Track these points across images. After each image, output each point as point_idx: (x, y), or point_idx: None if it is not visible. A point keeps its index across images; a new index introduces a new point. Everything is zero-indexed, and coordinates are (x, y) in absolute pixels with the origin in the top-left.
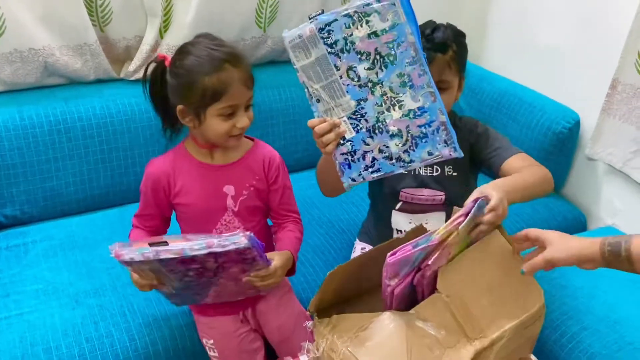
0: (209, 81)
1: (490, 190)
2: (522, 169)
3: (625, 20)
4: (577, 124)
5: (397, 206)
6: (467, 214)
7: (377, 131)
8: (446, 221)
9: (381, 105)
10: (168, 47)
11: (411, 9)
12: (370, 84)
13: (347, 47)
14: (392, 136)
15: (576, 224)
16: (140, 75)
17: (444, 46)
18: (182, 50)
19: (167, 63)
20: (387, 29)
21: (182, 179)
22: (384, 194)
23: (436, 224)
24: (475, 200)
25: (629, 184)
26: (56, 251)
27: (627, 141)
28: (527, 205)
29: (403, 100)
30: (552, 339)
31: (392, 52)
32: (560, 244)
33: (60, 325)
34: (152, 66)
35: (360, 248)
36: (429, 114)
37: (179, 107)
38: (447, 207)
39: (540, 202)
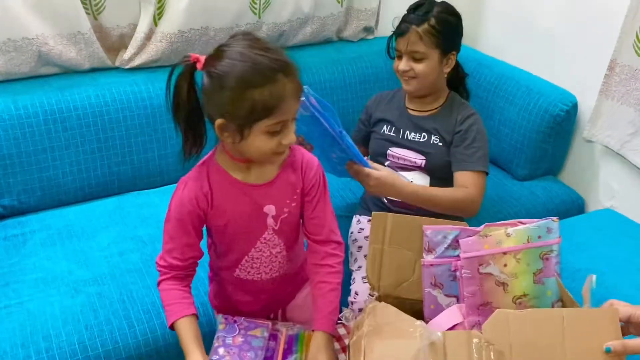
0: (259, 95)
1: None
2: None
3: (623, 1)
4: (575, 106)
5: (387, 163)
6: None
7: None
8: (430, 184)
9: None
10: (163, 35)
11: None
12: None
13: None
14: None
15: (574, 207)
16: (135, 63)
17: (420, 19)
18: (223, 55)
19: (199, 66)
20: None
21: (218, 198)
22: (378, 152)
23: (419, 182)
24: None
25: (626, 166)
26: (54, 240)
27: (625, 123)
28: (525, 189)
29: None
30: None
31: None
32: None
33: (60, 313)
34: (178, 68)
35: (356, 221)
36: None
37: (219, 121)
38: (428, 172)
39: (538, 185)
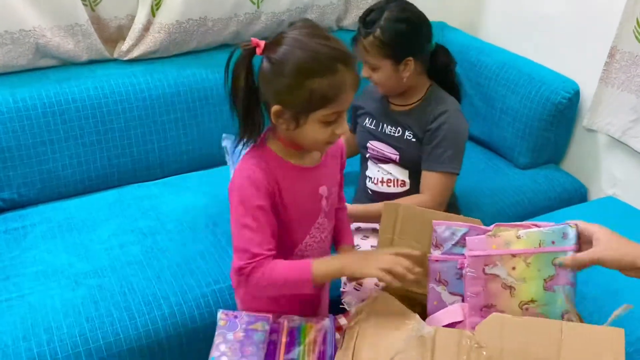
0: (318, 85)
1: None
2: (423, 190)
3: None
4: (577, 93)
5: (368, 155)
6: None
7: None
8: (409, 177)
9: None
10: (161, 26)
11: None
12: None
13: None
14: None
15: (576, 195)
16: (133, 55)
17: (365, 32)
18: (283, 42)
19: (259, 51)
20: None
21: (282, 184)
22: (361, 144)
23: (399, 175)
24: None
25: (628, 153)
26: (55, 233)
27: (626, 110)
28: (527, 177)
29: None
30: None
31: None
32: (611, 244)
33: (61, 306)
34: (237, 53)
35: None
36: None
37: (276, 107)
38: (404, 166)
39: (540, 173)
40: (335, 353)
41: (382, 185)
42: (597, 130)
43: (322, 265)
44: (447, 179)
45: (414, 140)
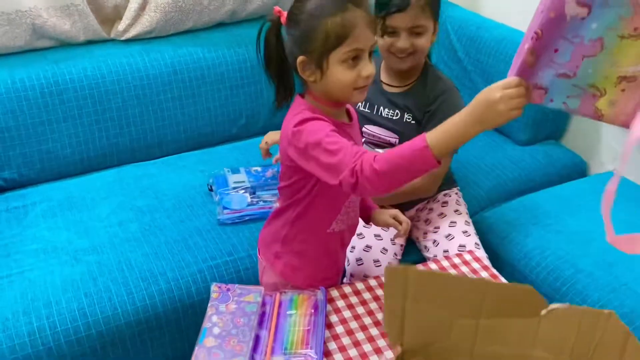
0: (332, 23)
1: None
2: None
3: None
4: None
5: (364, 139)
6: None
7: None
8: None
9: None
10: (157, 5)
11: None
12: None
13: None
14: None
15: (576, 171)
16: (130, 34)
17: None
18: (298, 6)
19: (283, 20)
20: None
21: None
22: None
23: None
24: None
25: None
26: (55, 212)
27: None
28: (525, 153)
29: None
30: (547, 283)
31: None
32: None
33: (60, 281)
34: (266, 25)
35: None
36: None
37: (300, 58)
38: None
39: (539, 149)
40: (325, 325)
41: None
42: None
43: (439, 133)
44: (445, 159)
45: (413, 122)
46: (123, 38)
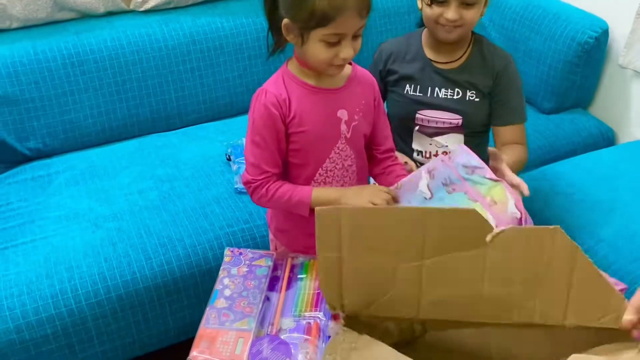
0: (320, 3)
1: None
2: (509, 144)
3: None
4: (605, 32)
5: (416, 128)
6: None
7: None
8: (465, 142)
9: None
10: None
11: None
12: None
13: None
14: None
15: (603, 140)
16: (149, 5)
17: None
18: None
19: None
20: None
21: (295, 104)
22: (404, 117)
23: (455, 147)
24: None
25: None
26: (77, 180)
27: None
28: (550, 122)
29: None
30: None
31: None
32: None
33: (81, 246)
34: None
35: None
36: None
37: (285, 20)
38: (466, 130)
39: (565, 118)
40: None
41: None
42: (633, 69)
43: (322, 193)
44: (521, 128)
45: (477, 100)
46: (142, 9)
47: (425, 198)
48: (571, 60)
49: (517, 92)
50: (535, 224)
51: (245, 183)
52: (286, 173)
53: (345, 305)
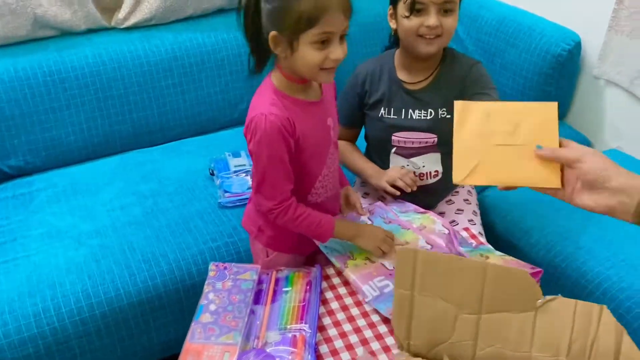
0: (305, 5)
1: None
2: None
3: None
4: (578, 45)
5: (393, 150)
6: None
7: None
8: (442, 162)
9: None
10: None
11: None
12: None
13: None
14: None
15: None
16: (130, 22)
17: None
18: None
19: None
20: None
21: (298, 123)
22: (380, 139)
23: (431, 166)
24: None
25: (634, 104)
26: (60, 197)
27: (635, 58)
28: None
29: None
30: (546, 260)
31: None
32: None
33: (64, 264)
34: None
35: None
36: None
37: (272, 33)
38: (441, 149)
39: None
40: (320, 300)
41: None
42: (607, 79)
43: (342, 228)
44: None
45: (449, 117)
46: (123, 26)
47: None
48: (546, 72)
49: (485, 88)
50: (516, 232)
51: (269, 211)
52: None
53: (412, 346)
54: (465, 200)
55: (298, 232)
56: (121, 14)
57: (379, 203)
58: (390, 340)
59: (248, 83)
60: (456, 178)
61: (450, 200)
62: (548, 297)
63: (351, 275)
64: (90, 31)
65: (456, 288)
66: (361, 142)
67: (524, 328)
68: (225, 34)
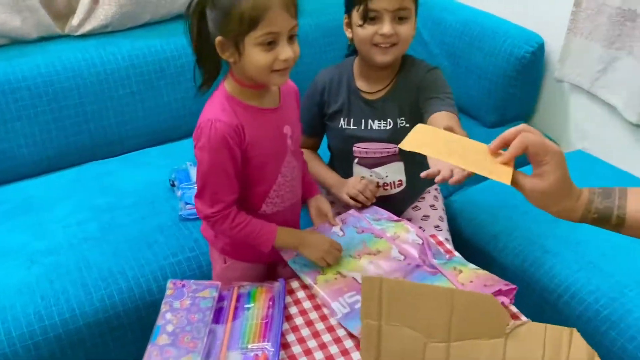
0: (245, 6)
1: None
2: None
3: None
4: (541, 47)
5: (356, 160)
6: None
7: None
8: (405, 172)
9: None
10: None
11: None
12: None
13: None
14: None
15: None
16: (85, 29)
17: None
18: None
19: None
20: None
21: (248, 129)
22: (342, 149)
23: (395, 176)
24: None
25: (596, 105)
26: (12, 214)
27: (594, 60)
28: (493, 135)
29: None
30: (515, 265)
31: None
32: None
33: (15, 284)
34: (194, 2)
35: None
36: None
37: (218, 39)
38: (403, 157)
39: None
40: (283, 317)
41: (378, 189)
42: (567, 81)
43: (285, 236)
44: (453, 116)
45: (408, 125)
46: (78, 33)
47: (339, 235)
48: (510, 74)
49: (439, 92)
50: (484, 237)
51: (205, 217)
52: (241, 192)
53: None
54: (432, 205)
55: (238, 240)
56: (75, 20)
57: (352, 211)
58: (356, 356)
59: (209, 90)
60: (404, 144)
61: (417, 206)
62: (517, 322)
63: (320, 292)
64: (42, 39)
65: (423, 316)
66: (325, 151)
67: (495, 355)
68: (184, 39)
